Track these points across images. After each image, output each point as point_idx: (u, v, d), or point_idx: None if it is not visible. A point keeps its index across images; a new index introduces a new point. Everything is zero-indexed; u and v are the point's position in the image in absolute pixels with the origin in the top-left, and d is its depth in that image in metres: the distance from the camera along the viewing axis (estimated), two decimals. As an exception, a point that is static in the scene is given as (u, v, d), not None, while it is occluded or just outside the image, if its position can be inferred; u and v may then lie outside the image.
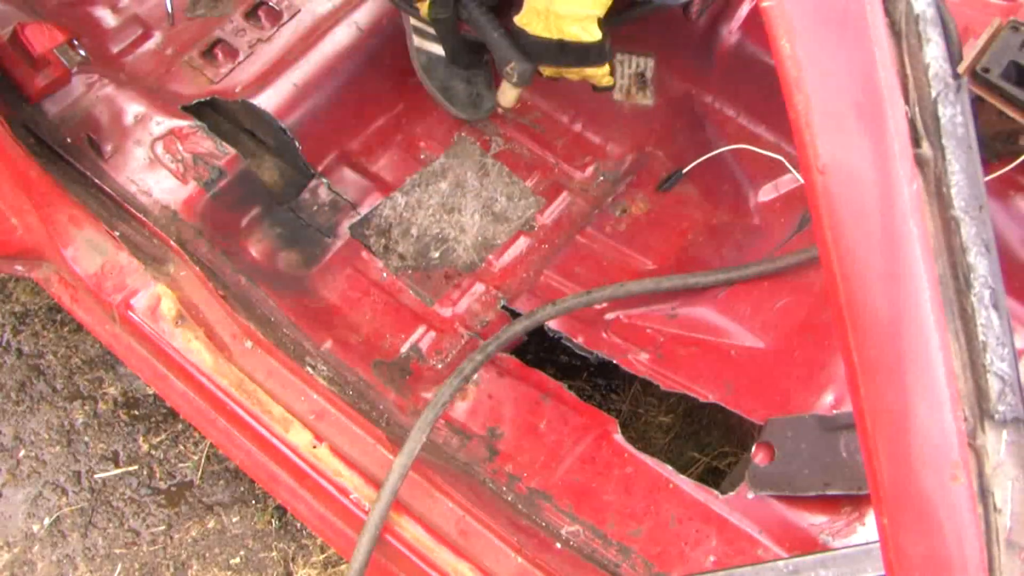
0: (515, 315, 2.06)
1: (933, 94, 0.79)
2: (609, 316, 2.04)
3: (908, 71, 0.80)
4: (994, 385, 0.81)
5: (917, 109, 0.81)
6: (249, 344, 1.79)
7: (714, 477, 2.06)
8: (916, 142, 0.80)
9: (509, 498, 1.81)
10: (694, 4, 2.11)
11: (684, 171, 2.20)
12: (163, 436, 2.53)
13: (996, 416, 0.82)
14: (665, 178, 2.24)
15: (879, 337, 0.82)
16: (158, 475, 2.49)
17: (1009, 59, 1.75)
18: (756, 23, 2.10)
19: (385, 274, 2.15)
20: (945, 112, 0.80)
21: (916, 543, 0.83)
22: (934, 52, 0.79)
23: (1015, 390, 0.82)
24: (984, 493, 0.82)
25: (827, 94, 0.80)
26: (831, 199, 0.80)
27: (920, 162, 0.81)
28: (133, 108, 2.05)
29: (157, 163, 2.00)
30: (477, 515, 1.63)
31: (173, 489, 2.47)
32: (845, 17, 0.79)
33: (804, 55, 0.80)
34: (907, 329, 0.81)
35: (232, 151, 2.04)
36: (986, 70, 1.75)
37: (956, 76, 0.80)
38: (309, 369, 1.79)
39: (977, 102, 1.76)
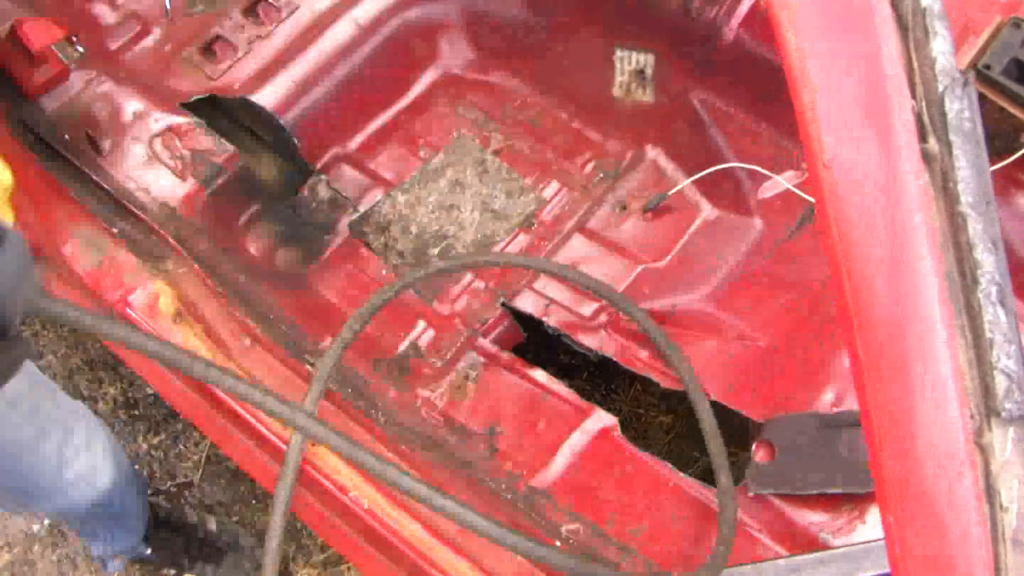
0: (515, 313, 2.06)
1: (940, 89, 0.79)
2: (609, 313, 2.04)
3: (915, 65, 0.79)
4: (1001, 382, 0.81)
5: (924, 104, 0.80)
6: (248, 341, 1.78)
7: (714, 476, 2.06)
8: (923, 137, 0.80)
9: (509, 496, 1.80)
10: (695, 1, 2.10)
11: (670, 193, 2.19)
12: (163, 436, 2.52)
13: (1003, 414, 0.81)
14: (653, 199, 2.21)
15: (885, 333, 0.81)
16: (158, 475, 2.48)
17: (1011, 56, 1.75)
18: (757, 20, 2.09)
19: (384, 271, 2.14)
20: (952, 107, 0.79)
21: (922, 541, 0.83)
22: (941, 46, 0.79)
23: (1022, 388, 0.81)
24: (990, 491, 0.81)
25: (833, 88, 0.80)
26: (837, 194, 0.80)
27: (927, 157, 0.80)
28: (131, 105, 2.05)
29: (156, 160, 2.00)
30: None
31: (173, 489, 2.46)
32: (851, 11, 0.79)
33: (810, 49, 0.79)
34: (913, 325, 0.81)
35: (231, 148, 2.03)
36: (988, 67, 1.75)
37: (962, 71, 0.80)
38: (308, 367, 1.79)
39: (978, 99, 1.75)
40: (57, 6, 2.24)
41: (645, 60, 2.30)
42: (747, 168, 2.12)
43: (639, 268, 2.13)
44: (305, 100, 2.19)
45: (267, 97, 2.15)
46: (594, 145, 2.34)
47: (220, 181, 2.01)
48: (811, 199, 2.03)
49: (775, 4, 0.79)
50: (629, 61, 2.31)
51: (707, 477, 1.77)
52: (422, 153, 2.32)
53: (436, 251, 2.18)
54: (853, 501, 1.64)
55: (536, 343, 2.11)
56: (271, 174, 2.21)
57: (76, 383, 2.57)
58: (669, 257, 2.14)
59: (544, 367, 1.98)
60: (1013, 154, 1.79)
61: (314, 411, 1.67)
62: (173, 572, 2.36)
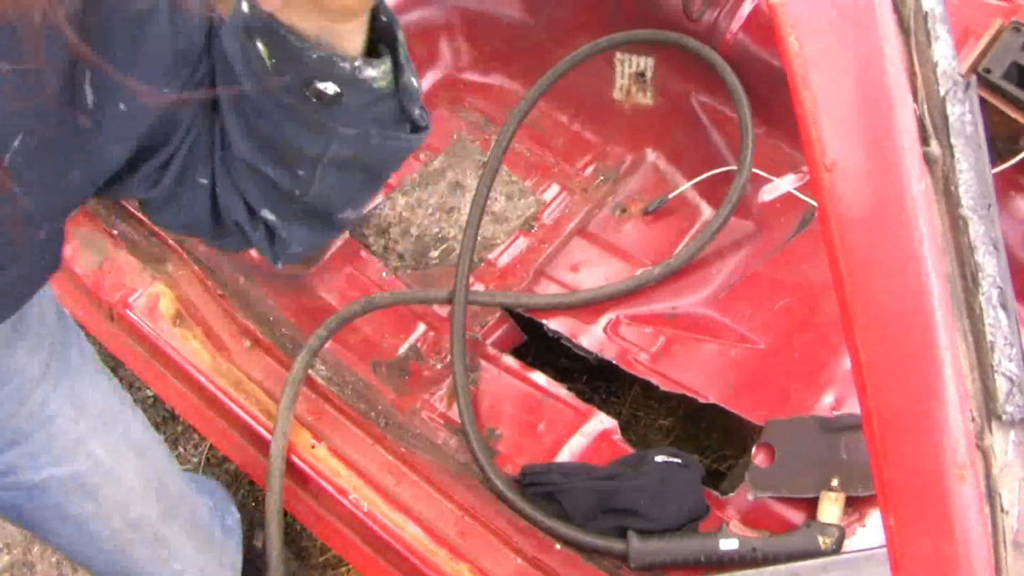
0: (515, 316, 2.06)
1: (942, 92, 0.79)
2: (608, 316, 2.04)
3: (916, 69, 0.80)
4: (1002, 385, 0.81)
5: (926, 107, 0.80)
6: (248, 343, 1.78)
7: (714, 479, 2.06)
8: (924, 140, 0.80)
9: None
10: (695, 3, 2.11)
11: (670, 196, 2.19)
12: (163, 437, 2.51)
13: (1004, 417, 0.81)
14: (653, 202, 2.21)
15: (886, 336, 0.81)
16: (156, 475, 2.47)
17: (1011, 60, 1.76)
18: (757, 23, 2.10)
19: (384, 274, 2.14)
20: (954, 110, 0.80)
21: (923, 544, 0.83)
22: (943, 50, 0.79)
23: (1023, 391, 0.81)
24: (991, 494, 0.82)
25: (835, 91, 0.80)
26: (838, 197, 0.80)
27: (928, 160, 0.80)
28: (132, 106, 2.04)
29: (156, 161, 1.99)
30: (476, 515, 1.63)
31: (171, 489, 2.46)
32: (854, 14, 0.79)
33: (812, 52, 0.79)
34: (914, 328, 0.81)
35: (231, 149, 2.03)
36: (987, 71, 1.75)
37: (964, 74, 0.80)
38: (308, 369, 1.78)
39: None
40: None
41: (645, 63, 2.30)
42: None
43: (639, 271, 2.13)
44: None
45: (267, 99, 2.14)
46: (594, 148, 2.34)
47: (220, 183, 2.00)
48: (812, 202, 2.03)
49: (777, 7, 0.79)
50: (629, 64, 2.31)
51: (707, 480, 1.77)
52: (422, 155, 2.32)
53: (436, 253, 2.18)
54: (853, 505, 1.64)
55: (536, 346, 2.11)
56: (271, 176, 2.21)
57: (75, 385, 2.56)
58: (670, 260, 2.14)
59: (544, 370, 1.98)
60: (1014, 157, 1.79)
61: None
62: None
